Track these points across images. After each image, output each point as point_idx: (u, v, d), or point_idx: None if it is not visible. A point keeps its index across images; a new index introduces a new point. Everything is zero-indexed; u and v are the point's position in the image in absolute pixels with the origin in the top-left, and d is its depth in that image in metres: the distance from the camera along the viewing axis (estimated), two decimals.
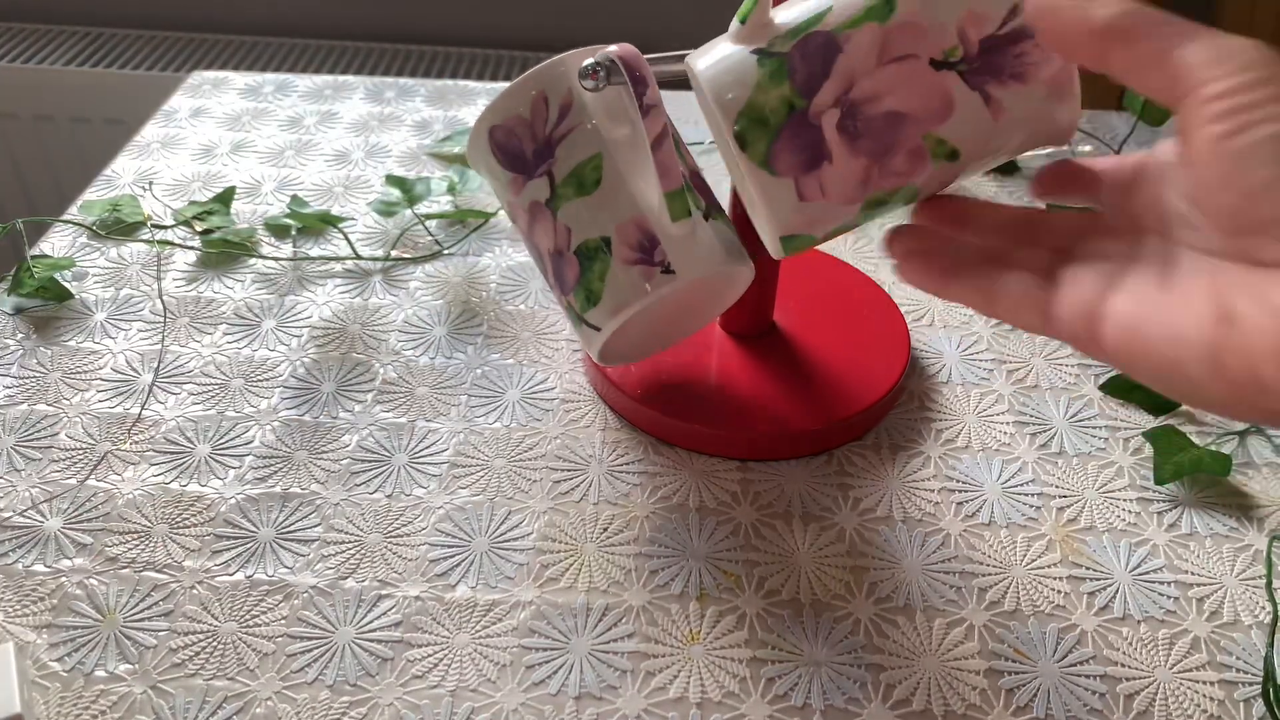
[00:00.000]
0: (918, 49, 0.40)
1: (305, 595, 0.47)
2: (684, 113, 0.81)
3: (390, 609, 0.46)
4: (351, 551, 0.49)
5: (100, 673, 0.43)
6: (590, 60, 0.45)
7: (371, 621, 0.46)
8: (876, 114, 0.41)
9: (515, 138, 0.48)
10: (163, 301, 0.63)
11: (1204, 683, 0.44)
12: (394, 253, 0.68)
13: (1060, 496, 0.52)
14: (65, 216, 0.70)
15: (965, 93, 0.41)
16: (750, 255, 0.49)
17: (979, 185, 0.76)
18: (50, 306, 0.62)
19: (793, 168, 0.42)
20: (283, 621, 0.46)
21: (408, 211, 0.71)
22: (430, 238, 0.69)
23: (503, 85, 0.88)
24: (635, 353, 0.53)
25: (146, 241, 0.68)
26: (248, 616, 0.46)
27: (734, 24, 0.43)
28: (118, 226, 0.69)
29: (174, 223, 0.69)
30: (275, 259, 0.67)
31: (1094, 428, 0.56)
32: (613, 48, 0.44)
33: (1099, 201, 0.39)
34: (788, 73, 0.41)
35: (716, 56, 0.43)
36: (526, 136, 0.47)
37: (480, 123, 0.48)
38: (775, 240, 0.44)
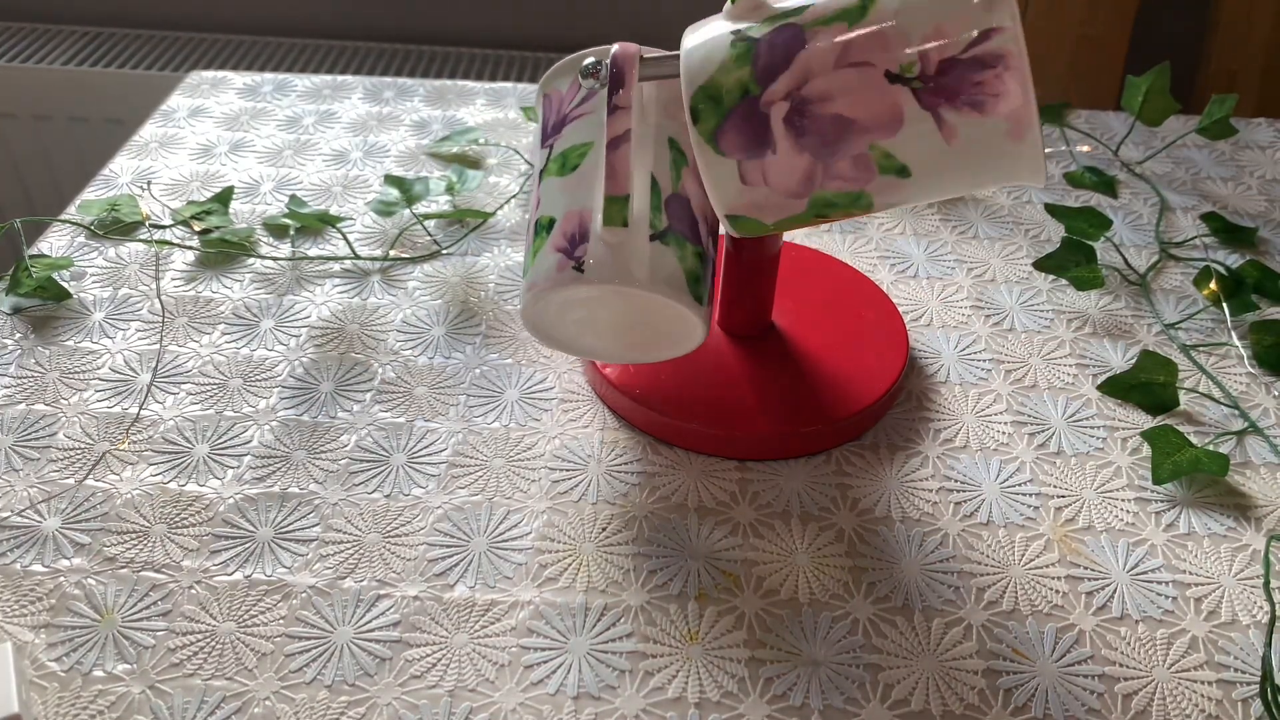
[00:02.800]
0: (875, 58, 0.41)
1: (304, 595, 0.47)
2: None
3: (389, 609, 0.46)
4: (350, 551, 0.49)
5: (98, 673, 0.43)
6: (591, 59, 0.45)
7: (370, 621, 0.46)
8: (824, 115, 0.41)
9: (550, 108, 0.50)
10: (161, 301, 0.63)
11: (1202, 682, 0.44)
12: (392, 252, 0.68)
13: (1058, 496, 0.52)
14: (63, 216, 0.70)
15: (916, 111, 0.41)
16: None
17: None
18: (48, 306, 0.62)
19: (737, 149, 0.42)
20: (281, 621, 0.46)
21: (406, 211, 0.71)
22: (429, 237, 0.69)
23: (502, 85, 0.88)
24: (579, 347, 0.51)
25: (145, 241, 0.68)
26: (246, 616, 0.46)
27: (727, 3, 0.44)
28: (116, 226, 0.69)
29: (172, 222, 0.69)
30: (274, 259, 0.67)
31: (1092, 428, 0.56)
32: (615, 46, 0.44)
33: None
34: (752, 58, 0.42)
35: (704, 34, 0.44)
36: (555, 110, 0.50)
37: (540, 87, 0.52)
38: (722, 217, 0.45)
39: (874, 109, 0.41)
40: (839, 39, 0.41)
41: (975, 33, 0.39)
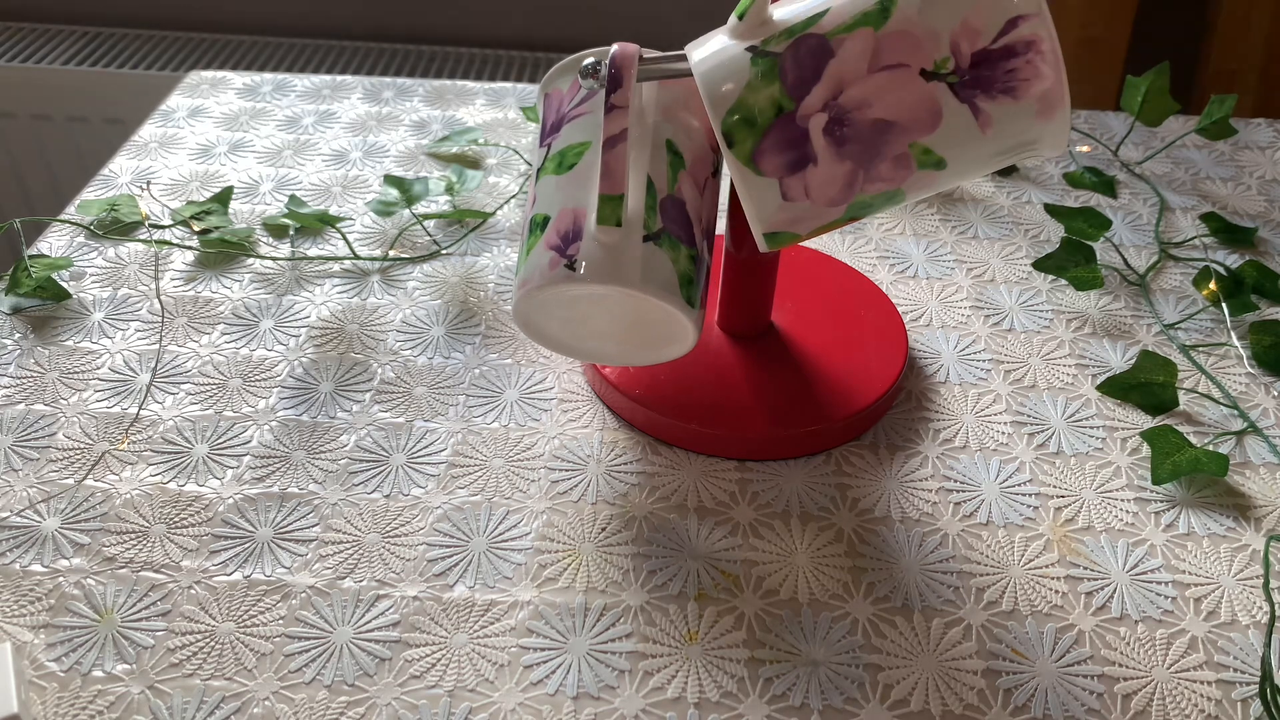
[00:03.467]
0: (909, 58, 0.40)
1: (303, 595, 0.47)
2: None
3: (388, 609, 0.46)
4: (349, 551, 0.49)
5: (98, 673, 0.43)
6: (591, 59, 0.45)
7: (369, 621, 0.46)
8: (864, 121, 0.41)
9: (550, 108, 0.50)
10: (160, 301, 0.63)
11: (1201, 683, 0.44)
12: (392, 253, 0.68)
13: (1058, 496, 0.52)
14: (63, 216, 0.70)
15: (954, 105, 0.41)
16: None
17: (975, 184, 0.76)
18: (48, 306, 0.62)
19: (778, 169, 0.42)
20: (280, 622, 0.45)
21: (406, 211, 0.71)
22: (428, 238, 0.69)
23: (501, 85, 0.88)
24: (572, 347, 0.51)
25: (144, 241, 0.68)
26: (245, 616, 0.46)
27: (732, 19, 0.43)
28: (115, 226, 0.69)
29: (172, 222, 0.69)
30: (273, 259, 0.67)
31: (1091, 428, 0.56)
32: (614, 46, 0.44)
33: None
34: (779, 74, 0.41)
35: (712, 50, 0.43)
36: (554, 109, 0.50)
37: (541, 87, 0.51)
38: (759, 236, 0.44)
39: (913, 109, 0.41)
40: (869, 44, 0.40)
41: (1003, 22, 0.40)
